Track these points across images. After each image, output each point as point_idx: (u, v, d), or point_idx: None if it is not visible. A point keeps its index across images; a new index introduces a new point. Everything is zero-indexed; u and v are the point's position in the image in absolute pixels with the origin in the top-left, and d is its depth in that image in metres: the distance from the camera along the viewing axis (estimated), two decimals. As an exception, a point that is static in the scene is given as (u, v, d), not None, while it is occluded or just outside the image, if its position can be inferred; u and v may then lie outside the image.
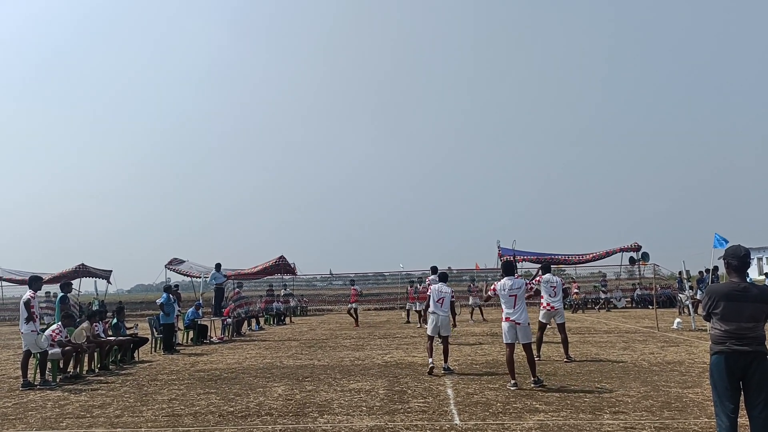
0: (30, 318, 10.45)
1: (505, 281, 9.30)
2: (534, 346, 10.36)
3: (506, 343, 9.24)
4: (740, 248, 4.98)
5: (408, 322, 23.14)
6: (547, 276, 12.09)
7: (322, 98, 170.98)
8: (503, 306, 9.29)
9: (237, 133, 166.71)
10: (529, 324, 9.22)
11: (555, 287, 11.93)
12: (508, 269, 9.77)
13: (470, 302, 24.56)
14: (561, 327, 11.94)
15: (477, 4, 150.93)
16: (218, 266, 21.19)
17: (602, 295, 30.18)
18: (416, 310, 21.19)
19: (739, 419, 4.89)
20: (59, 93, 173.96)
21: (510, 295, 9.16)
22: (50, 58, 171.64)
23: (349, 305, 23.03)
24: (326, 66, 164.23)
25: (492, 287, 9.76)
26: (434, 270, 11.54)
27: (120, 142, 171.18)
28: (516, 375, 8.98)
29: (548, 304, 11.83)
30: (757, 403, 4.76)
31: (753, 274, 55.22)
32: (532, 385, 8.83)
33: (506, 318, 9.20)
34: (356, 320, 22.19)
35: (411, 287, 23.16)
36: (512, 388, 8.73)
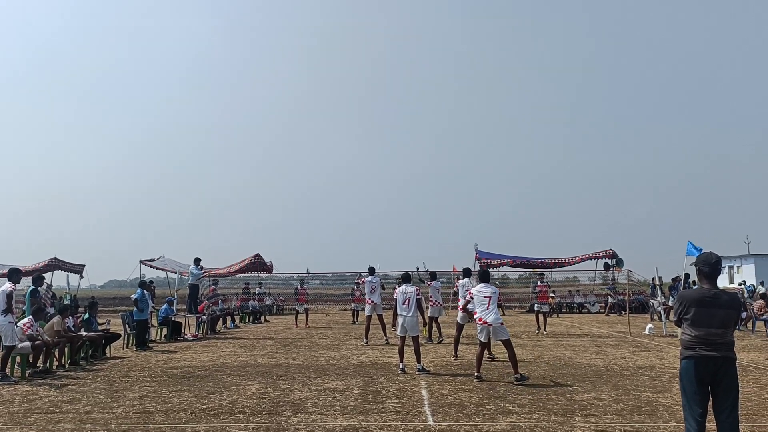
0: (8, 310, 10.33)
1: (481, 286, 10.11)
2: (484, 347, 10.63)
3: (479, 341, 10.05)
4: (712, 255, 5.08)
5: (354, 323, 23.29)
6: (464, 281, 13.26)
7: (305, 99, 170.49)
8: (477, 308, 10.01)
9: (216, 131, 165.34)
10: (502, 324, 9.93)
11: (438, 290, 12.98)
12: (484, 276, 10.53)
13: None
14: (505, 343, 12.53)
15: (463, 9, 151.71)
16: (197, 260, 20.87)
17: (579, 300, 30.51)
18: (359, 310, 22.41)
19: (707, 424, 4.98)
20: (37, 88, 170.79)
21: (484, 297, 9.92)
22: (26, 56, 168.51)
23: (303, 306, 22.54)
24: (310, 67, 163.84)
25: (469, 292, 10.62)
26: (406, 278, 11.79)
27: (98, 138, 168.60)
28: (481, 371, 9.86)
29: (436, 301, 13.64)
30: (724, 407, 4.86)
31: (724, 282, 56.28)
32: (515, 382, 9.30)
33: (479, 319, 9.94)
34: (299, 321, 22.16)
35: (357, 288, 23.22)
36: (475, 381, 9.54)
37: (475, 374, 9.78)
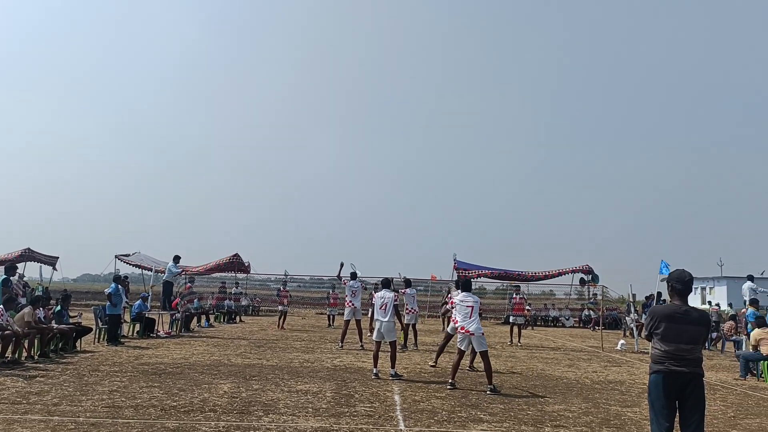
0: None
1: (463, 295, 10.17)
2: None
3: (458, 349, 10.10)
4: (685, 273, 5.19)
5: (330, 326, 23.47)
6: (409, 290, 14.24)
7: (288, 101, 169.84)
8: (458, 317, 10.08)
9: (200, 129, 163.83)
10: (482, 334, 9.95)
11: (414, 297, 13.10)
12: (467, 286, 10.58)
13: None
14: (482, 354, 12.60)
15: (449, 10, 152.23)
16: (176, 258, 20.62)
17: (553, 313, 30.72)
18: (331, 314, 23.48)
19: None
20: (20, 77, 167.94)
21: (467, 307, 9.98)
22: (11, 48, 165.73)
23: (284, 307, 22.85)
24: (294, 69, 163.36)
25: (451, 301, 10.85)
26: (386, 283, 11.80)
27: (78, 131, 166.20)
28: (455, 379, 9.93)
29: (412, 309, 14.03)
30: (690, 422, 4.95)
31: (696, 303, 57.15)
32: (488, 392, 9.36)
33: (461, 328, 9.98)
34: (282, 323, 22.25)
35: (332, 292, 24.22)
36: (448, 388, 9.64)
37: (449, 381, 9.83)
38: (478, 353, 10.31)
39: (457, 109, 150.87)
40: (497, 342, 19.08)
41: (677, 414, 5.05)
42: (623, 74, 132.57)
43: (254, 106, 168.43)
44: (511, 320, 19.48)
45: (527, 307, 29.23)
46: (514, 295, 20.20)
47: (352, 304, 15.65)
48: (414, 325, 16.23)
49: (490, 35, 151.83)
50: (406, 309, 16.09)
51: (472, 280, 27.48)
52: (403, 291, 16.29)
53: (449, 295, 14.37)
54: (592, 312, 29.92)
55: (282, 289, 23.79)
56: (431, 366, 12.24)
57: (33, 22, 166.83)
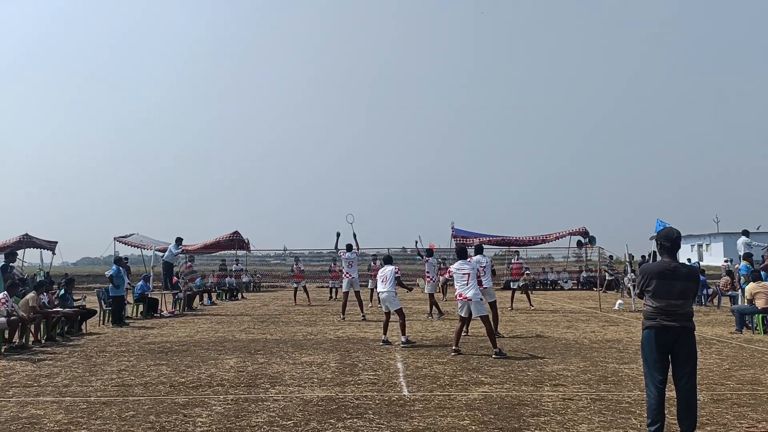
0: None
1: (459, 263, 10.26)
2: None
3: (459, 316, 10.29)
4: (673, 230, 5.31)
5: (332, 298, 23.87)
6: (431, 259, 14.17)
7: (297, 89, 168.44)
8: (456, 285, 10.24)
9: (200, 118, 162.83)
10: (481, 300, 10.12)
11: (485, 267, 12.78)
12: (462, 253, 10.71)
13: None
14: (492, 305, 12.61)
15: (452, 6, 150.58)
16: (179, 240, 20.62)
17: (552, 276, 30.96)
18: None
19: (667, 392, 5.24)
20: (31, 74, 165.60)
21: (463, 274, 10.08)
22: (23, 47, 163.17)
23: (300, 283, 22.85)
24: (301, 59, 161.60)
25: (448, 270, 10.95)
26: (387, 259, 12.14)
27: (80, 120, 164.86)
28: (459, 345, 10.15)
29: (432, 277, 14.02)
30: (683, 374, 5.12)
31: (694, 259, 57.56)
32: (493, 356, 9.55)
33: (459, 295, 10.14)
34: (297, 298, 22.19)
35: (333, 265, 24.80)
36: (452, 354, 9.78)
37: (453, 348, 10.01)
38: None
39: (453, 77, 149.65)
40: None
41: (670, 367, 5.22)
42: (615, 42, 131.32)
43: (258, 95, 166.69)
44: (512, 285, 19.69)
45: (527, 271, 29.58)
46: (513, 260, 20.39)
47: (350, 275, 15.90)
48: (432, 295, 16.43)
49: (483, 23, 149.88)
50: (428, 278, 16.64)
51: (468, 247, 27.71)
52: (426, 259, 16.91)
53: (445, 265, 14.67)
54: (607, 274, 29.86)
55: (295, 265, 24.01)
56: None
57: (42, 26, 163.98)
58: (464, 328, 10.47)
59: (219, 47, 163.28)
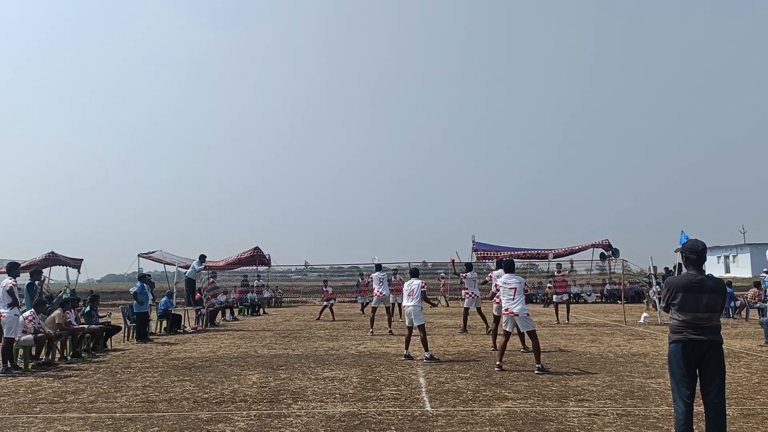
0: (14, 303, 10.53)
1: (506, 277, 10.22)
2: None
3: (504, 330, 10.24)
4: (697, 242, 5.23)
5: (362, 313, 23.69)
6: (469, 274, 13.93)
7: (301, 91, 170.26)
8: (503, 299, 10.17)
9: (216, 129, 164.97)
10: (528, 315, 9.99)
11: (474, 281, 13.68)
12: (509, 267, 10.55)
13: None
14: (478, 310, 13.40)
15: (458, 6, 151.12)
16: (202, 257, 20.68)
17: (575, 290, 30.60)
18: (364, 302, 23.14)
19: (696, 407, 5.14)
20: (42, 85, 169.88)
21: (510, 288, 10.00)
22: (33, 54, 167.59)
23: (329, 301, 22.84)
24: (310, 66, 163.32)
25: (495, 283, 11.10)
26: (414, 272, 12.00)
27: (100, 134, 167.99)
28: (503, 361, 9.94)
29: (472, 293, 13.64)
30: (711, 389, 5.02)
31: (720, 271, 56.55)
32: (535, 372, 9.41)
33: (505, 309, 10.10)
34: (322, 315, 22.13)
35: (362, 280, 24.45)
36: (495, 369, 9.69)
37: (497, 363, 9.85)
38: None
39: (474, 94, 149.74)
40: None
41: (698, 382, 5.12)
42: (641, 47, 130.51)
43: (271, 102, 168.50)
44: (555, 299, 19.44)
45: (548, 285, 29.26)
46: (556, 273, 20.16)
47: (381, 293, 16.42)
48: (479, 309, 15.94)
49: (504, 24, 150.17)
50: (466, 293, 16.10)
51: (489, 260, 27.51)
52: (464, 275, 16.25)
53: (490, 275, 14.29)
54: (644, 290, 29.22)
55: (324, 288, 24.33)
56: (492, 349, 12.08)
57: (41, 37, 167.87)
58: (507, 343, 10.21)
59: (237, 57, 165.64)
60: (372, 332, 15.73)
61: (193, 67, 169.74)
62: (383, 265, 17.19)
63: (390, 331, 15.78)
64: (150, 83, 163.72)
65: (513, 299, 9.92)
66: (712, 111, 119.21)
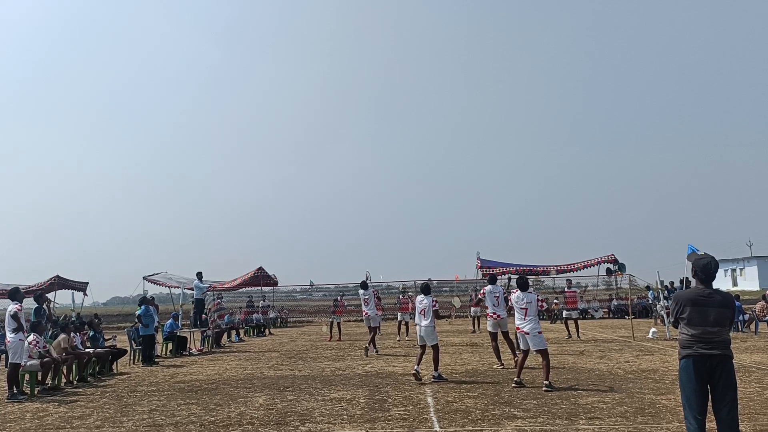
0: (19, 328, 10.55)
1: (519, 294, 10.18)
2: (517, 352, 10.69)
3: (521, 349, 10.21)
4: (710, 264, 5.16)
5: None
6: (490, 287, 13.00)
7: (304, 109, 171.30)
8: (515, 317, 10.18)
9: (217, 148, 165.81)
10: (539, 333, 9.95)
11: (498, 297, 12.72)
12: (523, 285, 10.46)
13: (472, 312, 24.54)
14: (505, 335, 12.65)
15: (467, 11, 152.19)
16: (200, 275, 20.89)
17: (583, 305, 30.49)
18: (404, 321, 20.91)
19: (708, 423, 5.08)
20: (43, 104, 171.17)
21: (521, 308, 10.03)
22: (33, 73, 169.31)
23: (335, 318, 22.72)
24: (311, 81, 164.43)
25: (509, 302, 10.93)
26: (425, 289, 11.68)
27: (102, 156, 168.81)
28: (521, 377, 9.93)
29: (494, 314, 12.65)
30: (723, 405, 4.96)
31: (727, 285, 56.20)
32: (543, 389, 9.36)
33: (517, 328, 10.13)
34: (332, 334, 21.92)
35: (403, 296, 22.97)
36: (513, 386, 9.64)
37: (515, 380, 9.84)
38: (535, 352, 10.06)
39: (476, 107, 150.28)
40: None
41: (710, 398, 5.06)
42: (648, 59, 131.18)
43: (270, 120, 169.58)
44: (565, 314, 19.36)
45: (555, 301, 29.14)
46: (566, 289, 20.08)
47: (366, 313, 16.25)
48: (506, 334, 12.72)
49: (515, 31, 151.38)
50: (487, 312, 13.61)
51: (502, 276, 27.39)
52: (482, 291, 13.73)
53: (483, 291, 13.90)
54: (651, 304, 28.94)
55: (339, 299, 24.06)
56: (498, 367, 12.07)
57: (43, 55, 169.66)
58: (525, 360, 10.12)
59: (243, 78, 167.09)
60: (377, 351, 15.55)
61: (198, 90, 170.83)
62: (371, 282, 16.69)
63: (373, 351, 15.29)
64: (156, 106, 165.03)
65: (524, 318, 9.94)
66: (719, 122, 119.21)
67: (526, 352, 10.09)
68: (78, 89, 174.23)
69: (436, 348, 10.92)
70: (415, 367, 10.76)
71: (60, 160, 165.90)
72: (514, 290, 14.06)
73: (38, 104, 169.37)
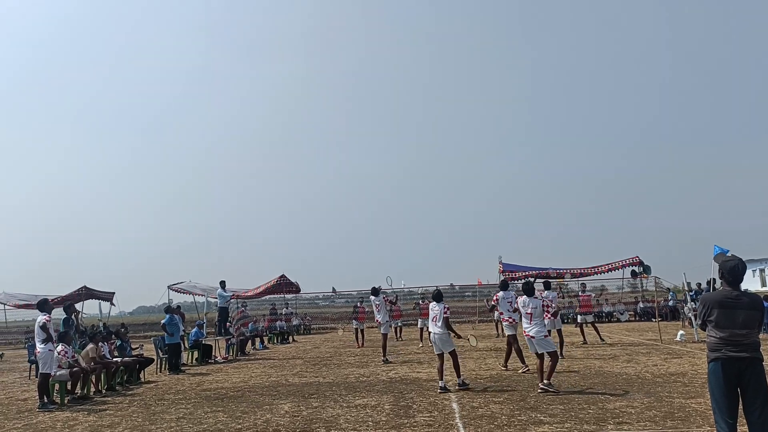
0: (48, 339, 10.73)
1: (525, 299, 10.33)
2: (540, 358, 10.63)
3: (536, 354, 10.17)
4: (738, 266, 5.09)
5: (399, 338, 23.71)
6: (503, 293, 13.23)
7: (321, 107, 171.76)
8: (522, 322, 10.33)
9: (235, 152, 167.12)
10: (545, 336, 10.05)
11: (511, 302, 12.75)
12: (528, 290, 10.61)
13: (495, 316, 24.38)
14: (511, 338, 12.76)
15: (461, 12, 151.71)
16: (223, 284, 21.11)
17: (607, 308, 30.11)
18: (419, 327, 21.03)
19: (739, 426, 5.00)
20: (31, 115, 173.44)
21: (527, 313, 10.17)
22: (29, 73, 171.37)
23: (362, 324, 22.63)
24: (326, 67, 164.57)
25: (516, 305, 11.10)
26: (437, 296, 11.58)
27: (118, 165, 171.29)
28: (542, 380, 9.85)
29: (510, 318, 12.79)
30: (754, 408, 4.88)
31: (756, 285, 55.09)
32: (539, 390, 9.49)
33: (524, 332, 10.27)
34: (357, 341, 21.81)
35: (423, 302, 22.69)
36: (539, 391, 9.57)
37: (540, 384, 9.76)
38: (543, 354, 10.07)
39: (494, 107, 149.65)
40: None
41: (740, 401, 4.98)
42: (658, 57, 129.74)
43: (284, 118, 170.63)
44: (579, 319, 19.09)
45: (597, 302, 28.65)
46: (580, 293, 19.84)
47: (377, 320, 16.24)
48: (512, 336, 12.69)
49: (515, 25, 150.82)
50: (503, 317, 13.38)
51: (518, 281, 27.20)
52: (495, 296, 13.79)
53: (495, 297, 14.04)
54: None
55: (359, 305, 24.08)
56: (523, 370, 12.10)
57: (32, 56, 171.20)
58: (543, 364, 10.06)
59: (271, 87, 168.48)
60: (385, 359, 15.37)
61: (225, 104, 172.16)
62: (392, 288, 16.51)
63: (385, 360, 15.24)
64: (192, 120, 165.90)
65: (530, 323, 10.10)
66: (743, 121, 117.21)
67: (540, 356, 10.07)
68: (108, 110, 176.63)
69: (454, 354, 10.65)
70: (440, 383, 10.30)
71: (93, 179, 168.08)
72: (495, 295, 14.34)
73: (71, 127, 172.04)
